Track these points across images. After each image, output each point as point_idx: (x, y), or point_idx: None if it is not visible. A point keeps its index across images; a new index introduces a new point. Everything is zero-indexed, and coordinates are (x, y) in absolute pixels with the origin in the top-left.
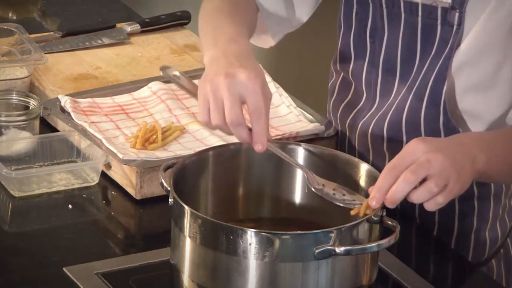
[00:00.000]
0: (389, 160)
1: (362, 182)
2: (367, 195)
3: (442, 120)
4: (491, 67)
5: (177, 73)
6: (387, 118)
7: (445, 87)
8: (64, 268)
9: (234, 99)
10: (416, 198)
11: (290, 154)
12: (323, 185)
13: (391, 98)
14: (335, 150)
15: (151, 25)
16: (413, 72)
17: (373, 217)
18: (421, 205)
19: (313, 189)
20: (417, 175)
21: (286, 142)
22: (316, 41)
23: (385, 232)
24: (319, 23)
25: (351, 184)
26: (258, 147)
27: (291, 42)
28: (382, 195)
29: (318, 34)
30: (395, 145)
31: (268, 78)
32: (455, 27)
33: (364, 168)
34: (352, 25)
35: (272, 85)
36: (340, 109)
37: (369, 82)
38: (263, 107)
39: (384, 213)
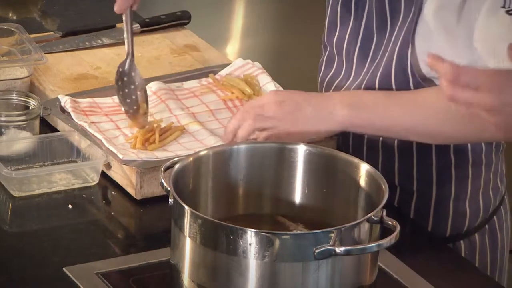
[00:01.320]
0: None
1: (362, 182)
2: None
3: (412, 83)
4: (448, 31)
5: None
6: (362, 86)
7: (409, 50)
8: (64, 268)
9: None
10: (240, 134)
11: (290, 154)
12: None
13: (365, 67)
14: (335, 150)
15: (151, 25)
16: (385, 40)
17: (373, 217)
18: (400, 173)
19: None
20: (254, 120)
21: (286, 142)
22: (317, 41)
23: (385, 232)
24: (319, 23)
25: (351, 184)
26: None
27: (291, 42)
28: (227, 136)
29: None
30: None
31: (268, 78)
32: None
33: (364, 168)
34: None
35: (272, 85)
36: (325, 83)
37: (348, 51)
38: None
39: (384, 213)
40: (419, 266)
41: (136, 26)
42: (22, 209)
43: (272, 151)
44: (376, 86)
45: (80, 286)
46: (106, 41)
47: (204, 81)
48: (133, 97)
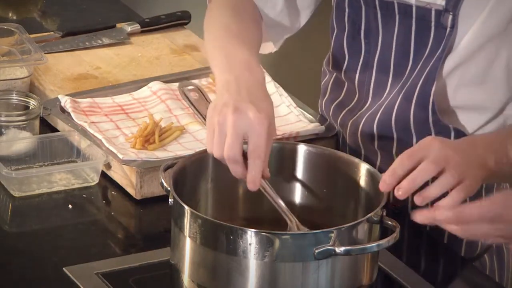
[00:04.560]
0: (381, 157)
1: (362, 182)
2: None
3: (432, 119)
4: (485, 64)
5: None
6: (377, 117)
7: (433, 88)
8: (64, 268)
9: (236, 136)
10: (434, 189)
11: (290, 154)
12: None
13: (382, 98)
14: (335, 150)
15: (151, 25)
16: (406, 73)
17: (373, 217)
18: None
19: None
20: (436, 165)
21: (286, 142)
22: (316, 41)
23: (385, 232)
24: (320, 23)
25: (351, 184)
26: (251, 186)
27: (291, 42)
28: (395, 179)
29: (318, 34)
30: (386, 143)
31: (268, 78)
32: (448, 29)
33: (364, 168)
34: (345, 27)
35: (272, 85)
36: (332, 108)
37: (362, 82)
38: (263, 149)
39: (384, 213)
40: (419, 266)
41: (136, 26)
42: (22, 209)
43: (272, 151)
44: (393, 119)
45: (80, 286)
46: (106, 41)
47: (204, 81)
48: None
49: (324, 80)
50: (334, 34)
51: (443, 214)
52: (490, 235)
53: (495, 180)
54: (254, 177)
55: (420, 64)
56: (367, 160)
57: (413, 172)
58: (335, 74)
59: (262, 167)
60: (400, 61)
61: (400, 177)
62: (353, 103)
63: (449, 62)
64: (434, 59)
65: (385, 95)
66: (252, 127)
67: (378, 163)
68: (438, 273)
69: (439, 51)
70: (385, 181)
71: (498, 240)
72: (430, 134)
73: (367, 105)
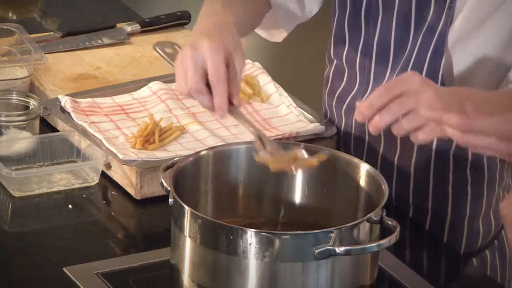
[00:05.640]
0: (384, 143)
1: (362, 182)
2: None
3: None
4: (484, 40)
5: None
6: None
7: (442, 61)
8: (64, 268)
9: (195, 68)
10: (397, 129)
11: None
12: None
13: (385, 79)
14: (335, 150)
15: (151, 25)
16: (407, 51)
17: (373, 217)
18: (415, 192)
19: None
20: (402, 107)
21: (286, 142)
22: (317, 41)
23: (385, 232)
24: (320, 23)
25: (351, 184)
26: (219, 112)
27: (291, 42)
28: (372, 111)
29: (318, 35)
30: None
31: (268, 78)
32: (448, 1)
33: (364, 168)
34: (346, 8)
35: (272, 85)
36: (335, 98)
37: (363, 65)
38: (221, 75)
39: (384, 213)
40: (419, 266)
41: (136, 26)
42: (22, 209)
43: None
44: None
45: (80, 286)
46: (106, 41)
47: None
48: None
49: (326, 71)
50: (336, 17)
51: (452, 117)
52: (491, 150)
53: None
54: (218, 103)
55: (419, 40)
56: (370, 147)
57: (378, 114)
58: (335, 62)
59: (226, 92)
60: (400, 39)
61: (376, 109)
62: (355, 90)
63: (451, 37)
64: (437, 33)
65: (387, 77)
66: (207, 56)
67: (381, 150)
68: (438, 273)
69: (441, 25)
70: (363, 113)
71: (498, 155)
72: None
73: (370, 89)
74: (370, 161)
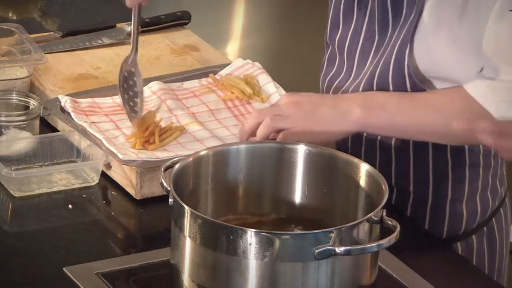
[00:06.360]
0: None
1: (362, 182)
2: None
3: (409, 84)
4: (450, 35)
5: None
6: (361, 86)
7: (407, 51)
8: (64, 268)
9: None
10: (259, 133)
11: (290, 154)
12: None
13: (365, 67)
14: (335, 150)
15: (151, 25)
16: (386, 40)
17: (373, 217)
18: (397, 173)
19: None
20: (271, 120)
21: (286, 142)
22: (317, 41)
23: (385, 232)
24: (320, 23)
25: (351, 184)
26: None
27: (291, 42)
28: (244, 135)
29: (318, 35)
30: None
31: (268, 78)
32: None
33: (364, 168)
34: None
35: (272, 85)
36: (326, 82)
37: (350, 51)
38: None
39: (384, 213)
40: (419, 266)
41: None
42: (22, 209)
43: (272, 151)
44: (374, 86)
45: (80, 286)
46: (106, 41)
47: (204, 81)
48: (135, 89)
49: (323, 57)
50: (333, 2)
51: (484, 123)
52: None
53: (372, 131)
54: None
55: (396, 31)
56: (354, 135)
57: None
58: (330, 48)
59: None
60: (382, 28)
61: (248, 132)
62: (342, 75)
63: (420, 29)
64: (407, 24)
65: (367, 63)
66: None
67: (364, 134)
68: (438, 272)
69: (412, 16)
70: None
71: None
72: None
73: (353, 74)
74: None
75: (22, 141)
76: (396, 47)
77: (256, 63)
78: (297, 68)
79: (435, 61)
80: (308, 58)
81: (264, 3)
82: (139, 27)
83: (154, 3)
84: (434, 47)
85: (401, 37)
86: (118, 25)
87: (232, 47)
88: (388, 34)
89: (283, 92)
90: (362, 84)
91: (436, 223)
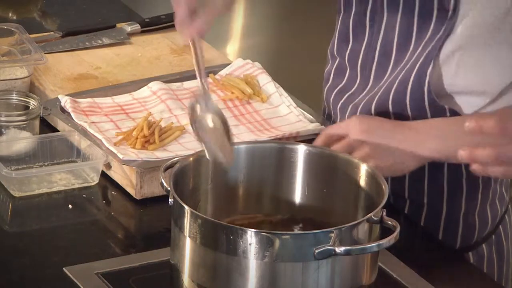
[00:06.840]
0: None
1: (362, 182)
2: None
3: (427, 100)
4: (483, 48)
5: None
6: (375, 99)
7: (430, 68)
8: (64, 268)
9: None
10: (335, 147)
11: (290, 154)
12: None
13: (383, 81)
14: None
15: (151, 25)
16: (407, 56)
17: (373, 217)
18: (411, 185)
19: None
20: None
21: (286, 142)
22: (317, 41)
23: (385, 232)
24: (320, 23)
25: (351, 184)
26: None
27: (291, 42)
28: (325, 139)
29: (319, 35)
30: None
31: (268, 78)
32: (450, 12)
33: (364, 168)
34: (352, 7)
35: (272, 85)
36: (333, 93)
37: (364, 65)
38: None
39: (384, 213)
40: (419, 266)
41: (136, 26)
42: (22, 209)
43: (272, 151)
44: (390, 101)
45: (80, 286)
46: (106, 41)
47: None
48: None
49: (327, 67)
50: (341, 16)
51: (483, 152)
52: None
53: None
54: (179, 20)
55: (421, 47)
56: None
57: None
58: (338, 60)
59: (184, 13)
60: (402, 44)
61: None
62: (354, 88)
63: (448, 46)
64: (434, 41)
65: (385, 77)
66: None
67: None
68: (438, 272)
69: (440, 34)
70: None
71: None
72: (426, 115)
73: (368, 88)
74: None
75: (22, 141)
76: (419, 63)
77: (256, 63)
78: (297, 68)
79: (467, 76)
80: (307, 58)
81: (264, 3)
82: (203, 64)
83: (154, 3)
84: (469, 61)
85: (426, 53)
86: (118, 25)
87: (232, 47)
88: (410, 50)
89: (283, 92)
90: (376, 97)
91: (450, 235)
